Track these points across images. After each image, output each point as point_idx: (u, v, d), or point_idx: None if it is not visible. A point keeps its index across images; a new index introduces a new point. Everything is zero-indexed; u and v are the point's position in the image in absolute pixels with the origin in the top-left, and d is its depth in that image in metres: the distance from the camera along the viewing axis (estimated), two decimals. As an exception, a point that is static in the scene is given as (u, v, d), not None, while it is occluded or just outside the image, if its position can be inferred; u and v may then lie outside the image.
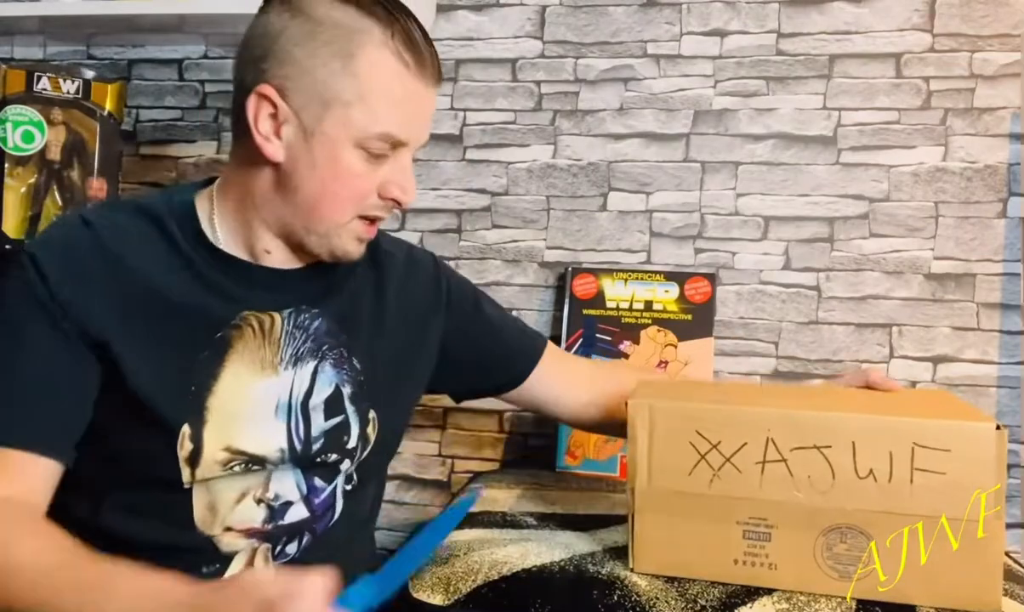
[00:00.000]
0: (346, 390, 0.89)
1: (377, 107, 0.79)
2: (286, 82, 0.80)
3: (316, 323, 0.89)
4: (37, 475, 0.78)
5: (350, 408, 0.89)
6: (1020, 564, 1.01)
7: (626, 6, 1.45)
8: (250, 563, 0.84)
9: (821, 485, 0.77)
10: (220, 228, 0.86)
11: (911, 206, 1.38)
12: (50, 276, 0.78)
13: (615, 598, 0.82)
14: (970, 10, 1.36)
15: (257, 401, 0.84)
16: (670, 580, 0.84)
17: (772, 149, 1.42)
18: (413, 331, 0.98)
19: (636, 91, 1.45)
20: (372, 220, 0.86)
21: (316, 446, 0.87)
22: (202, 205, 0.87)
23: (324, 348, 0.88)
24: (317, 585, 0.60)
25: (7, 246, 1.37)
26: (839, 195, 1.40)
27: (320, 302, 0.89)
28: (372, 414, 0.91)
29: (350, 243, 0.85)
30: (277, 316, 0.86)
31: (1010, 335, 1.36)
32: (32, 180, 1.38)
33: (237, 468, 0.83)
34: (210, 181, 0.91)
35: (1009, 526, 1.36)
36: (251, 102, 0.81)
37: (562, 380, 1.09)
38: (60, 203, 1.40)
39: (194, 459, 0.81)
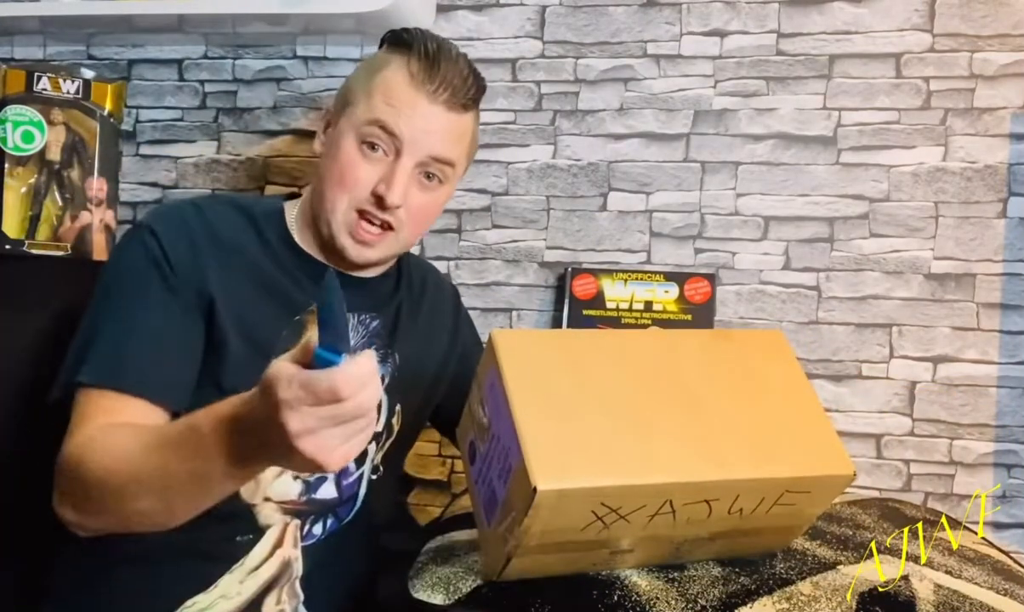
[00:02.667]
0: (386, 381, 1.00)
1: (375, 101, 0.92)
2: (338, 98, 0.99)
3: (374, 324, 1.01)
4: (147, 420, 0.84)
5: (384, 396, 1.00)
6: (1020, 564, 1.02)
7: (626, 6, 1.45)
8: (281, 539, 0.92)
9: (696, 524, 0.80)
10: (298, 231, 0.99)
11: (911, 206, 1.38)
12: (165, 241, 0.88)
13: (615, 598, 0.82)
14: (970, 10, 1.36)
15: None
16: (670, 580, 0.84)
17: (772, 149, 1.42)
18: (438, 346, 1.11)
19: (636, 91, 1.45)
20: (364, 218, 0.94)
21: None
22: (289, 211, 1.01)
23: (373, 346, 1.00)
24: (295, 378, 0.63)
25: (7, 246, 1.37)
26: (839, 195, 1.40)
27: (376, 309, 1.02)
28: (398, 407, 1.02)
29: (345, 237, 0.94)
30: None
31: (1010, 335, 1.36)
32: (32, 180, 1.38)
33: None
34: (295, 196, 1.05)
35: (1009, 526, 1.37)
36: (322, 119, 1.01)
37: None
38: (60, 203, 1.40)
39: None
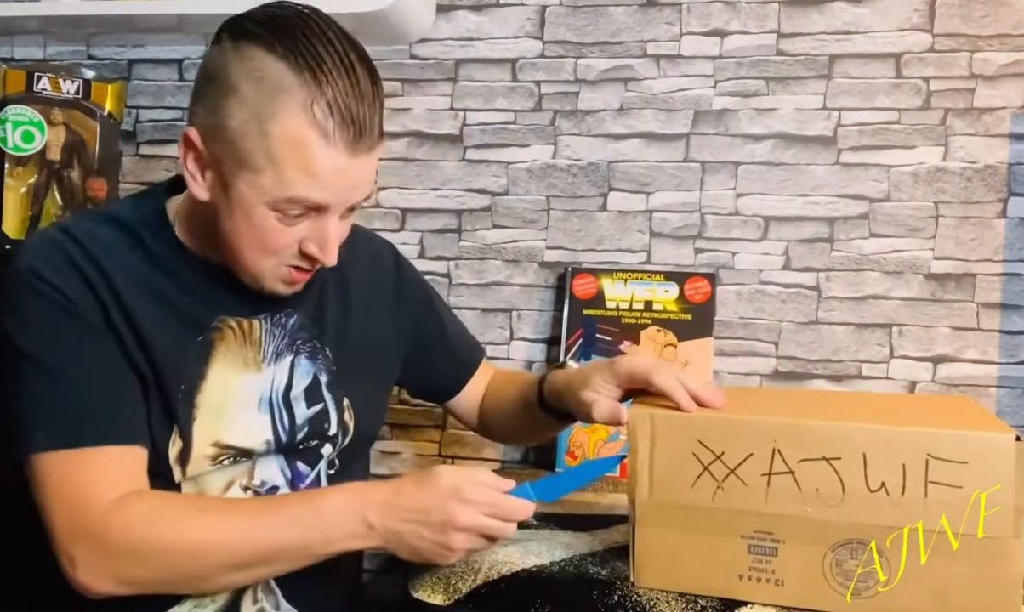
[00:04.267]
0: (323, 378, 0.94)
1: (287, 174, 0.77)
2: (210, 131, 0.80)
3: (292, 321, 0.93)
4: (139, 462, 0.81)
5: (327, 395, 0.94)
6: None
7: (626, 6, 1.45)
8: None
9: (830, 499, 0.74)
10: (187, 236, 0.88)
11: (911, 206, 1.38)
12: (54, 279, 0.80)
13: (615, 598, 0.82)
14: (970, 10, 1.36)
15: (242, 396, 0.88)
16: (670, 580, 0.84)
17: (772, 149, 1.42)
18: (379, 319, 1.03)
19: (636, 91, 1.45)
20: (297, 268, 0.85)
21: (300, 434, 0.91)
22: (172, 211, 0.89)
23: (298, 342, 0.93)
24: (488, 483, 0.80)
25: (7, 246, 1.37)
26: (839, 195, 1.40)
27: (292, 302, 0.92)
28: (346, 402, 0.95)
29: (277, 285, 0.86)
30: (255, 321, 0.90)
31: (1010, 335, 1.36)
32: (32, 180, 1.39)
33: (226, 462, 0.87)
34: (176, 182, 0.92)
35: (1009, 526, 1.37)
36: (181, 141, 0.83)
37: (476, 397, 1.17)
38: (60, 203, 1.40)
39: (184, 457, 0.84)
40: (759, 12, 1.42)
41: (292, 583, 0.88)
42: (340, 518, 0.79)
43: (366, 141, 0.79)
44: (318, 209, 0.80)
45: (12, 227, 1.38)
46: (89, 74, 1.43)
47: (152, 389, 0.83)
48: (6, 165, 1.37)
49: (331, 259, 0.83)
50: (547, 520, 1.05)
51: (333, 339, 0.96)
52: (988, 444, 0.72)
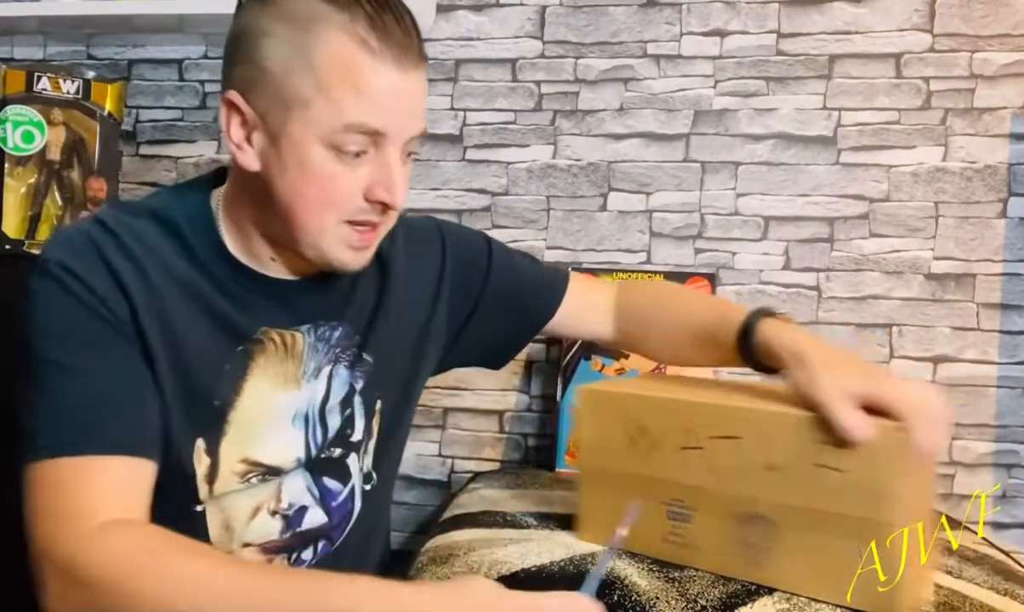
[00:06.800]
0: (358, 385, 0.89)
1: (339, 98, 0.72)
2: (249, 85, 0.75)
3: (336, 333, 0.88)
4: (143, 479, 0.74)
5: (357, 400, 0.89)
6: (1020, 564, 1.02)
7: (626, 6, 1.45)
8: None
9: (734, 473, 0.81)
10: (229, 237, 0.82)
11: (911, 206, 1.38)
12: (83, 274, 0.74)
13: (615, 598, 0.82)
14: (970, 10, 1.36)
15: (277, 414, 0.83)
16: (670, 579, 0.84)
17: (772, 149, 1.42)
18: (421, 313, 0.96)
19: (636, 91, 1.45)
20: (364, 225, 0.78)
21: (328, 445, 0.87)
22: (216, 204, 0.84)
23: (339, 352, 0.88)
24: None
25: (7, 246, 1.37)
26: (839, 195, 1.40)
27: (337, 313, 0.88)
28: (379, 404, 0.91)
29: (343, 252, 0.79)
30: (298, 333, 0.85)
31: (1010, 335, 1.36)
32: (32, 180, 1.39)
33: (254, 480, 0.82)
34: (220, 174, 0.86)
35: (1009, 526, 1.37)
36: (222, 110, 0.77)
37: (582, 314, 1.05)
38: (60, 203, 1.40)
39: (212, 474, 0.79)
40: (759, 12, 1.42)
41: None
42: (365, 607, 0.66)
43: (412, 56, 0.75)
44: (376, 140, 0.75)
45: (12, 227, 1.38)
46: (89, 74, 1.43)
47: (178, 399, 0.77)
48: (6, 165, 1.37)
49: (399, 200, 0.77)
50: (547, 520, 1.05)
51: (373, 342, 0.90)
52: (873, 433, 0.74)
